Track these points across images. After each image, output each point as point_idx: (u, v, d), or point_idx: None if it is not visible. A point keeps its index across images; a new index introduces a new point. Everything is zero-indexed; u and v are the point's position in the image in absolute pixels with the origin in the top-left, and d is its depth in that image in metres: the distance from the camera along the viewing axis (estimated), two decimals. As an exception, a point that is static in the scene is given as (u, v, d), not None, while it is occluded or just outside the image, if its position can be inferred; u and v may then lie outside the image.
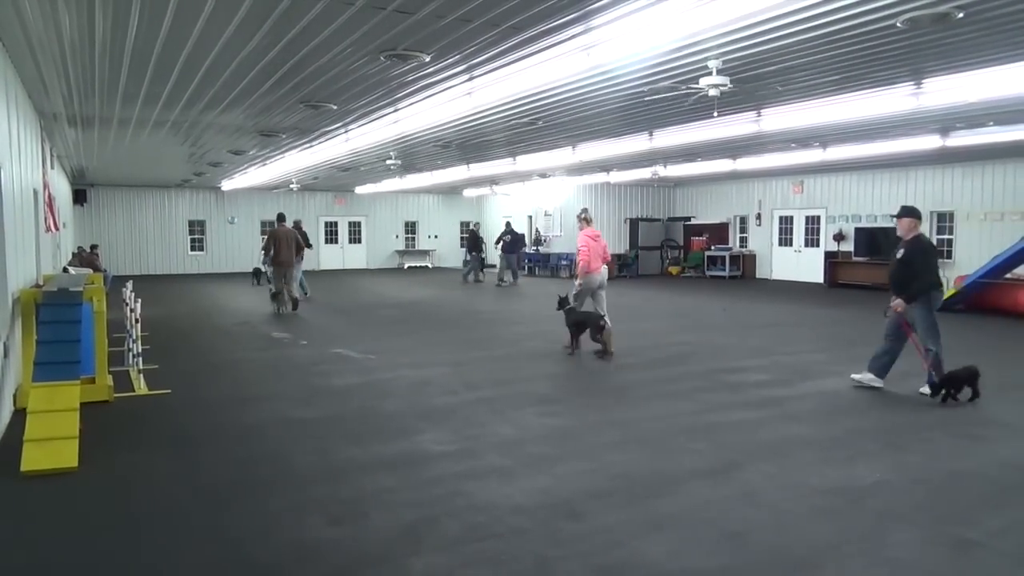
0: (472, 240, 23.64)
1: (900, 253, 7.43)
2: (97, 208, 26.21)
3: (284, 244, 14.15)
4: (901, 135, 13.27)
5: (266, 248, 14.42)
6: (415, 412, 6.78)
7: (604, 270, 9.81)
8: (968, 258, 17.92)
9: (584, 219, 9.95)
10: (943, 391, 7.06)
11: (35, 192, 10.33)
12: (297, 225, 16.99)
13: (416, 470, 5.12)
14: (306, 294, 17.19)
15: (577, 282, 9.83)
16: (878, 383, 7.61)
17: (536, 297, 18.55)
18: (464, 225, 33.11)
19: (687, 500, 4.55)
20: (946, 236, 18.90)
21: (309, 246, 16.38)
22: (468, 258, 23.95)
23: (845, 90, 9.28)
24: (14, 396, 6.77)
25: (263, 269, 14.67)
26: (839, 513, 4.34)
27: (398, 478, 4.94)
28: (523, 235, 24.81)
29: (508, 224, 23.58)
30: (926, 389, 7.30)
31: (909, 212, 7.50)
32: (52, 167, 14.43)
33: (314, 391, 7.76)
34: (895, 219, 7.68)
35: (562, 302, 10.05)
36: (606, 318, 9.64)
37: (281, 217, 15.28)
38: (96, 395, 6.97)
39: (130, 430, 6.26)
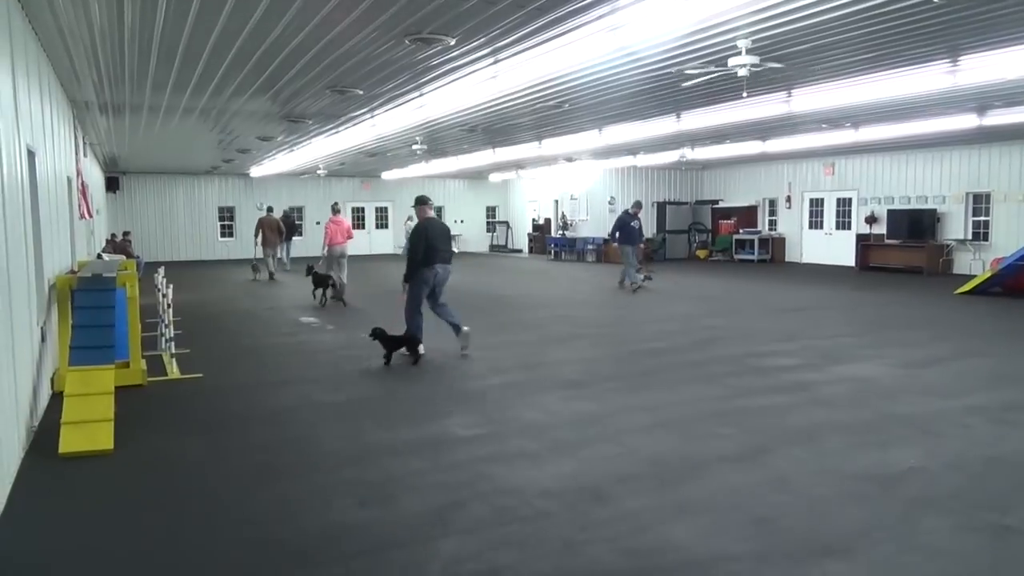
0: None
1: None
2: (129, 195, 26.63)
3: (268, 229, 18.68)
4: (936, 114, 12.96)
5: (255, 232, 18.93)
6: (443, 396, 6.82)
7: (346, 245, 13.93)
8: (1005, 240, 17.50)
9: (335, 210, 14.54)
10: (390, 351, 8.20)
11: (69, 180, 10.52)
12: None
13: (444, 453, 5.15)
14: (286, 268, 21.50)
15: (323, 252, 13.99)
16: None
17: (561, 281, 18.52)
18: (490, 210, 33.09)
19: (715, 485, 4.52)
20: (982, 218, 18.48)
21: (284, 233, 20.24)
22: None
23: (879, 69, 9.07)
24: (52, 380, 6.92)
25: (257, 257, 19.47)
26: (871, 499, 4.28)
27: (426, 461, 4.97)
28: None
29: (638, 203, 16.79)
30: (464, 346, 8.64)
31: (416, 201, 8.98)
32: (85, 155, 14.67)
33: (342, 375, 7.83)
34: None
35: (308, 268, 14.12)
36: (343, 278, 13.67)
37: (269, 209, 20.31)
38: (130, 379, 7.10)
39: (163, 413, 6.38)
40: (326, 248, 13.89)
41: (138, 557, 3.68)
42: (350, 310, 12.82)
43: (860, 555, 3.58)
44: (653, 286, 16.04)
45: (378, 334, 8.25)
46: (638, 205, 16.59)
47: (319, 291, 13.54)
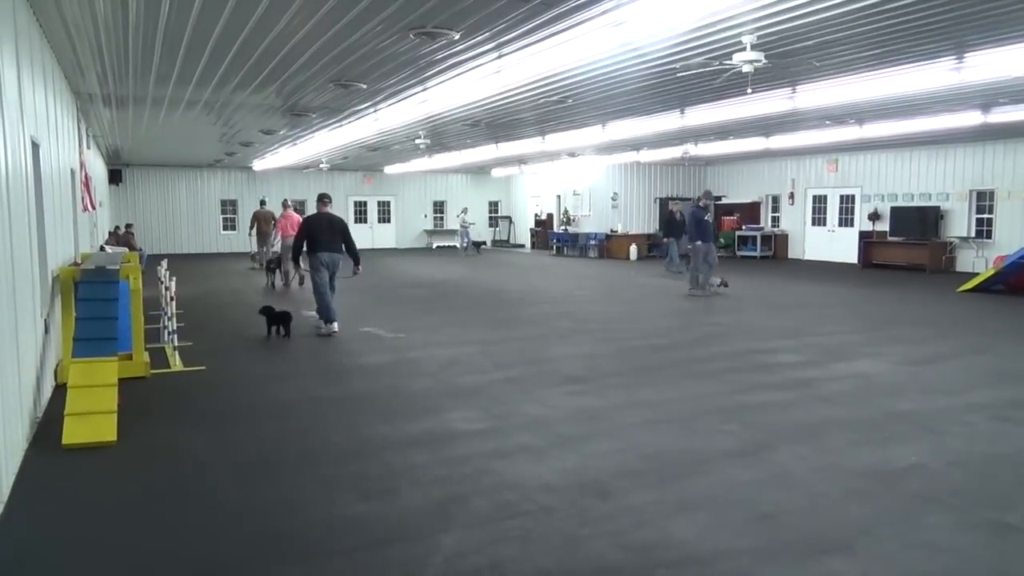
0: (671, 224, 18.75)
1: None
2: (132, 188, 26.63)
3: (263, 222, 19.45)
4: (941, 111, 12.91)
5: (251, 225, 19.81)
6: (444, 391, 6.82)
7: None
8: (1009, 238, 17.47)
9: (285, 207, 16.42)
10: (271, 325, 9.41)
11: (72, 172, 10.52)
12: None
13: (445, 448, 5.15)
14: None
15: (274, 243, 16.39)
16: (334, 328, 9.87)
17: (563, 277, 18.52)
18: (493, 205, 33.03)
19: (717, 481, 4.53)
20: (986, 215, 18.43)
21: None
22: (670, 249, 19.05)
23: (884, 65, 9.03)
24: (55, 371, 6.94)
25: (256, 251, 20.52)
26: (873, 496, 4.29)
27: (428, 456, 4.98)
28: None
29: (708, 193, 15.36)
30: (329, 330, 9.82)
31: (317, 197, 10.30)
32: (88, 147, 14.68)
33: (345, 369, 7.84)
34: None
35: (268, 261, 16.36)
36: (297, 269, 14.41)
37: (263, 202, 20.65)
38: (133, 371, 7.12)
39: (166, 406, 6.39)
40: (278, 240, 15.85)
41: (141, 548, 3.69)
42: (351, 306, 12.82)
43: (861, 552, 3.58)
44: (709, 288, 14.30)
45: (264, 311, 9.44)
46: (708, 195, 14.46)
47: (272, 274, 15.82)
